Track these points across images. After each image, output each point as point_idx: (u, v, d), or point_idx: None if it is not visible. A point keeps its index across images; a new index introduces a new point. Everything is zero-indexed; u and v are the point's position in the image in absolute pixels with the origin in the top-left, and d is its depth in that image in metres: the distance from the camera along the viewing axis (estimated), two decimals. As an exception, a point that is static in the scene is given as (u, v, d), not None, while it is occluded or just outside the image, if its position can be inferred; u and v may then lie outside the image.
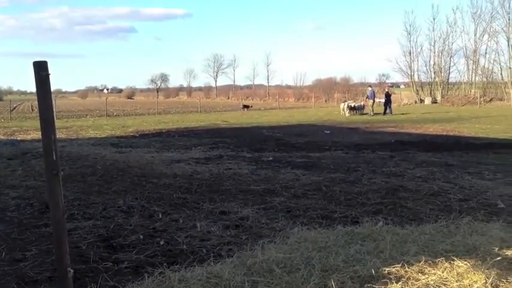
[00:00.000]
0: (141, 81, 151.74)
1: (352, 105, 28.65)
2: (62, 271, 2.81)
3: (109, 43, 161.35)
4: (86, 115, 31.42)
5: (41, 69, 2.64)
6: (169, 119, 26.80)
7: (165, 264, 3.67)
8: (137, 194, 6.44)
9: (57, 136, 2.84)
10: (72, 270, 2.82)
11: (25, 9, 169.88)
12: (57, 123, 21.35)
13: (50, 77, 2.66)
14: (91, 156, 10.20)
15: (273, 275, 3.30)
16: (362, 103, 29.54)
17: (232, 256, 3.80)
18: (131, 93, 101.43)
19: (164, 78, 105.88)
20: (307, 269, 3.37)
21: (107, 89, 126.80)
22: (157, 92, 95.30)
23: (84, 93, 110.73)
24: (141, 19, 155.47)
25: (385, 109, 28.28)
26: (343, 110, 27.95)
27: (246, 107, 40.83)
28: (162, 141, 14.10)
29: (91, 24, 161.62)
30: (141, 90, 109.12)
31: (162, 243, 4.37)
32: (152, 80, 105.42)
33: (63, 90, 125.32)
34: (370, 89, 30.08)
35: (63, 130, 18.17)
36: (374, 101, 28.30)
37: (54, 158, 2.69)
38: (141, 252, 4.12)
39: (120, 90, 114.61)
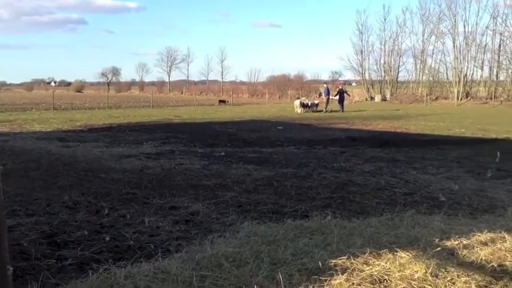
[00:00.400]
0: (91, 75, 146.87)
1: (305, 102, 28.97)
2: (0, 269, 2.69)
3: (58, 35, 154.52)
4: (32, 108, 30.10)
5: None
6: (120, 113, 26.17)
7: (110, 260, 3.57)
8: (84, 190, 6.25)
9: (-3, 129, 2.70)
10: (11, 268, 2.70)
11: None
12: (0, 116, 20.37)
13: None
14: (35, 151, 9.81)
15: (222, 269, 3.30)
16: (316, 101, 29.91)
17: (181, 251, 3.76)
18: (80, 87, 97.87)
19: (115, 72, 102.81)
20: (256, 263, 3.39)
21: (55, 82, 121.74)
22: (108, 86, 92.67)
23: (30, 86, 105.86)
24: (91, 11, 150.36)
25: (341, 105, 28.77)
26: (297, 107, 28.22)
27: (222, 102, 40.13)
28: (112, 135, 13.75)
29: (39, 14, 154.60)
30: (91, 84, 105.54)
31: (107, 239, 4.26)
32: (103, 74, 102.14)
33: (8, 82, 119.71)
34: (325, 85, 30.65)
35: (6, 123, 17.36)
36: (328, 98, 28.77)
37: (-7, 152, 2.59)
38: (86, 249, 4.00)
39: (69, 84, 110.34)
